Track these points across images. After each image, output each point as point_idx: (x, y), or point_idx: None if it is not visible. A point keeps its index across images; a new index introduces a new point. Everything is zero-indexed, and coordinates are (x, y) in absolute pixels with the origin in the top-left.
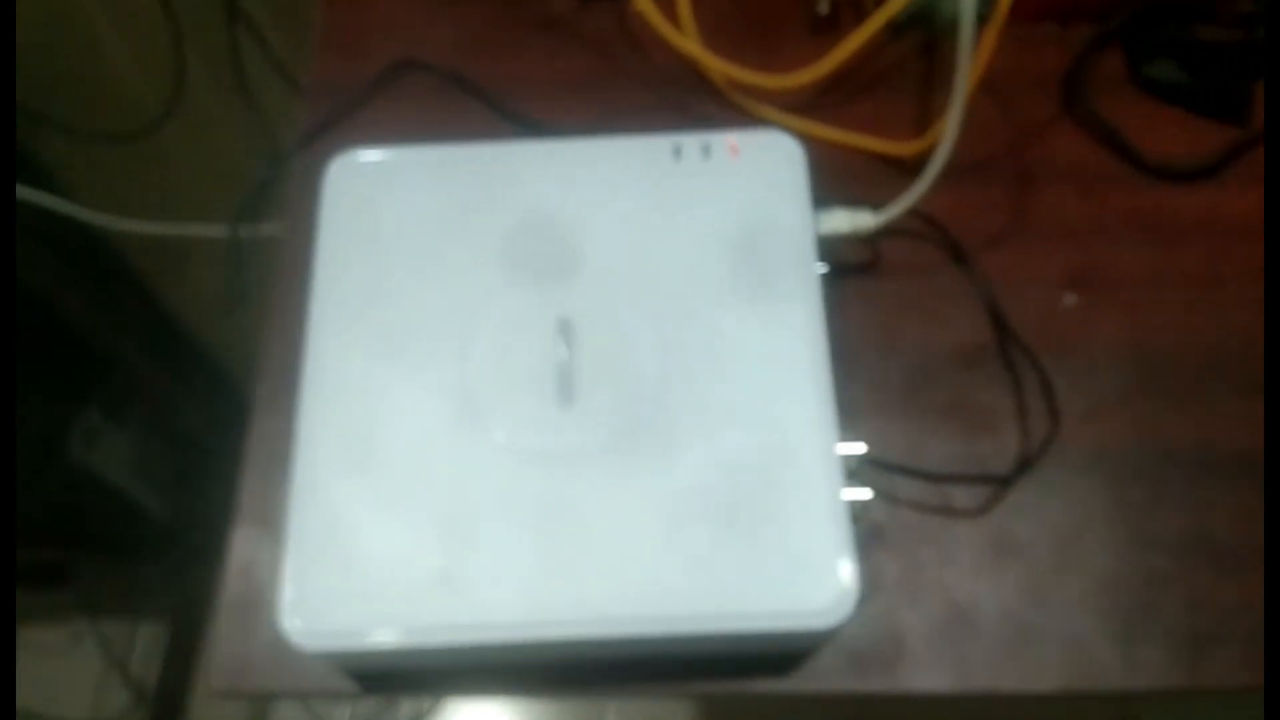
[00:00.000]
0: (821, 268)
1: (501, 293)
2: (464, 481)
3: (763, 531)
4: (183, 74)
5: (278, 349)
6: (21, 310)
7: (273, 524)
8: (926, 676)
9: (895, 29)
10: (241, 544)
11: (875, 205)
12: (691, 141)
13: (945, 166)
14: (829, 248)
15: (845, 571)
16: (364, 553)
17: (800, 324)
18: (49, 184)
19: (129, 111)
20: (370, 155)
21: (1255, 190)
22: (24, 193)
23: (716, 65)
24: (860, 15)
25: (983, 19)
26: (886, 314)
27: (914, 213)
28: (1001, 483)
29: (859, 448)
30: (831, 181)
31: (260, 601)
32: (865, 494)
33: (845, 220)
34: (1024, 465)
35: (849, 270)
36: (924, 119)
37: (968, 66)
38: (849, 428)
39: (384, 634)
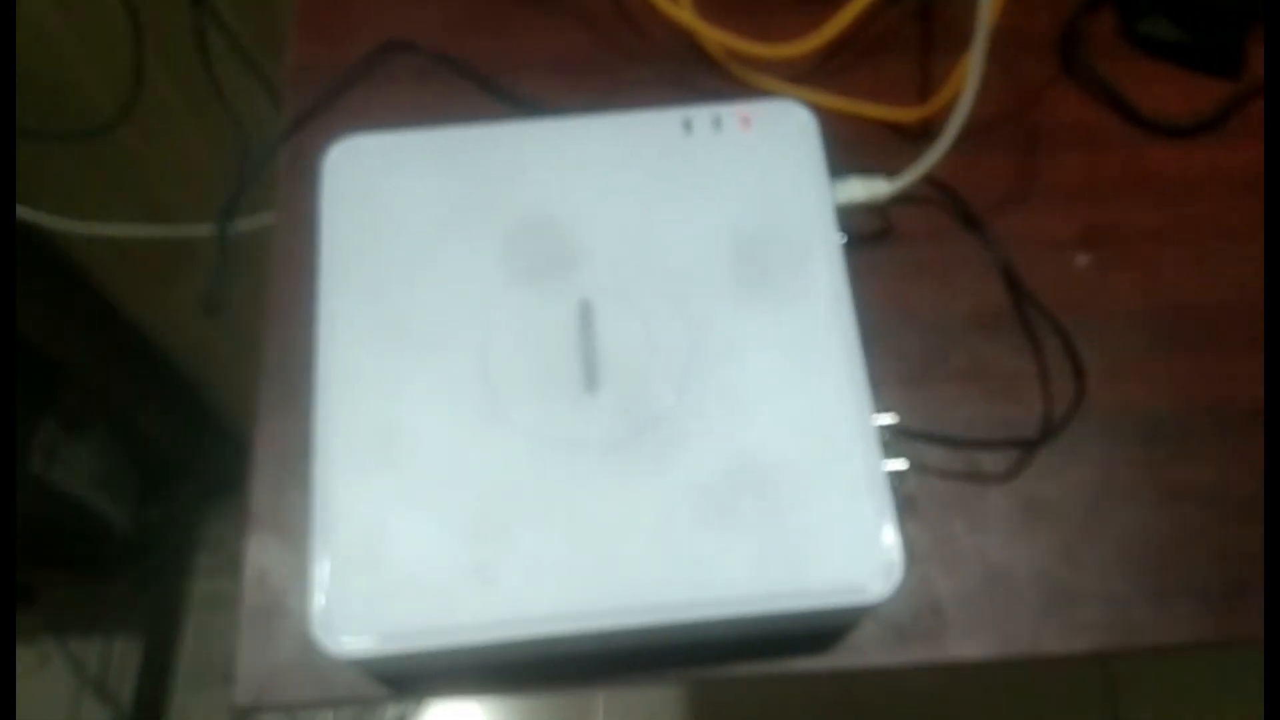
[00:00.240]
0: (841, 238)
1: (517, 278)
2: (492, 472)
3: (804, 508)
4: (141, 69)
5: (278, 348)
6: None
7: (287, 529)
8: (968, 644)
9: None
10: (256, 551)
11: (883, 173)
12: (702, 114)
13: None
14: (843, 218)
15: (890, 543)
16: (394, 551)
17: (826, 295)
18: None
19: (85, 110)
20: (372, 140)
21: (1255, 143)
22: None
23: (714, 36)
24: None
25: None
26: (901, 282)
27: (925, 179)
28: (1030, 445)
29: (890, 418)
30: (835, 150)
31: (280, 610)
32: (901, 464)
33: (861, 189)
34: (1052, 427)
35: (863, 240)
36: (925, 84)
37: (986, 26)
38: (875, 398)
39: (423, 635)
